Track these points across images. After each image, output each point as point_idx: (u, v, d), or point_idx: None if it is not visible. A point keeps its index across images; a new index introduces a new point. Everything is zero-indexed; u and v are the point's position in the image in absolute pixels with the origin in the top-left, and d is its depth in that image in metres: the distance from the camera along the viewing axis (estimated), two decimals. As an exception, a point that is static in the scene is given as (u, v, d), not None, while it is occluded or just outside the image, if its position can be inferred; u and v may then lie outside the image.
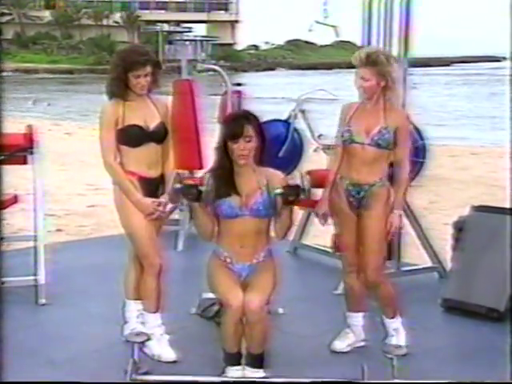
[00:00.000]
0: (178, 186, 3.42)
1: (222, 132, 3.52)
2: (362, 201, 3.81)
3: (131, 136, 3.75)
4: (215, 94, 6.57)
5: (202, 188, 3.39)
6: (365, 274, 3.83)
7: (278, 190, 3.38)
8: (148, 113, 3.82)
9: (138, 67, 3.70)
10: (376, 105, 3.78)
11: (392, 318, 3.97)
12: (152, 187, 3.84)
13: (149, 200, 3.77)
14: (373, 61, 3.70)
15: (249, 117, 3.46)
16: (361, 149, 3.76)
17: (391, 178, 3.89)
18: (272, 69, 64.43)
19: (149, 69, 3.74)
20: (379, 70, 3.70)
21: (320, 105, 7.17)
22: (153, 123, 3.81)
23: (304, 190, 3.39)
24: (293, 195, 3.36)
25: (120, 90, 3.75)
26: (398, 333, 3.98)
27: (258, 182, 3.46)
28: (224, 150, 3.44)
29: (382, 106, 3.77)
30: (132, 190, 3.76)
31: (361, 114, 3.80)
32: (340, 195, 3.86)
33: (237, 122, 3.46)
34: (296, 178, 3.53)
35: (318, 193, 4.15)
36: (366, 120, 3.77)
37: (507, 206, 4.81)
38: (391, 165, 3.88)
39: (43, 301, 4.73)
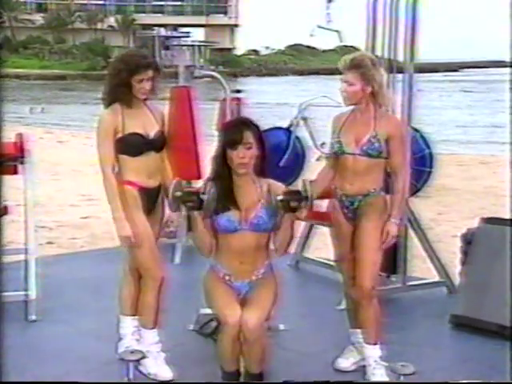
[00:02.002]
0: (178, 193, 3.39)
1: (221, 139, 3.51)
2: (357, 211, 3.81)
3: (132, 145, 3.76)
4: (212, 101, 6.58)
5: (203, 196, 3.37)
6: (360, 283, 3.80)
7: (280, 197, 3.37)
8: (147, 120, 3.83)
9: (141, 71, 3.72)
10: (366, 113, 3.78)
11: (374, 344, 3.89)
12: (152, 197, 3.87)
13: (127, 228, 3.75)
14: (356, 64, 3.71)
15: (248, 123, 3.46)
16: (352, 159, 3.76)
17: (387, 189, 3.90)
18: (273, 74, 64.56)
19: (150, 73, 3.76)
20: (363, 74, 3.69)
21: (323, 112, 7.18)
22: (152, 131, 3.82)
23: (307, 197, 3.35)
24: (295, 201, 3.34)
25: (125, 95, 3.76)
26: (378, 366, 3.86)
27: (259, 194, 3.45)
28: (222, 158, 3.43)
29: (373, 114, 3.77)
30: (119, 208, 3.75)
31: (351, 123, 3.80)
32: (335, 207, 3.87)
33: (236, 128, 3.45)
34: (299, 186, 3.49)
35: (322, 204, 4.16)
36: (356, 129, 3.77)
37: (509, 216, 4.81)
38: (388, 174, 3.88)
39: (33, 317, 4.72)
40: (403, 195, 3.98)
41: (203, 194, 3.38)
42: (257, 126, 3.46)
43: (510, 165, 8.74)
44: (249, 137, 3.39)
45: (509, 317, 4.45)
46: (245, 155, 3.38)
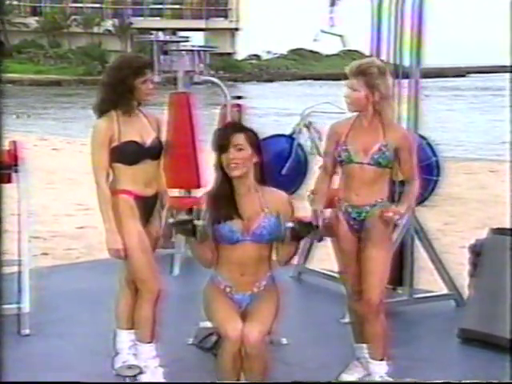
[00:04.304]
0: (171, 220, 3.41)
1: (212, 147, 3.53)
2: (364, 223, 3.81)
3: (129, 153, 3.77)
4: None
5: (198, 222, 3.38)
6: (368, 297, 3.81)
7: (290, 224, 3.40)
8: (143, 128, 3.85)
9: (144, 71, 3.77)
10: (372, 121, 3.79)
11: (381, 360, 3.90)
12: (149, 206, 3.88)
13: (118, 240, 3.77)
14: (362, 70, 3.73)
15: (239, 127, 3.52)
16: (359, 169, 3.77)
17: (393, 199, 3.91)
18: (274, 80, 64.64)
19: (150, 72, 3.80)
20: (367, 81, 3.71)
21: (326, 119, 7.19)
22: (149, 139, 3.83)
23: (317, 228, 3.43)
24: (304, 233, 3.43)
25: (129, 101, 3.78)
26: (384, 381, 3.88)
27: (261, 204, 3.46)
28: (221, 168, 3.45)
29: (380, 123, 3.78)
30: (111, 220, 3.77)
31: (357, 131, 3.80)
32: (339, 219, 3.86)
33: (224, 132, 3.51)
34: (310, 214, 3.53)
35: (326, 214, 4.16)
36: (364, 138, 3.77)
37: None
38: (394, 184, 3.90)
39: (27, 331, 4.71)
40: (413, 198, 3.99)
41: (198, 219, 3.38)
42: (252, 131, 3.48)
43: (510, 172, 8.73)
44: (238, 139, 3.41)
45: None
46: (235, 156, 3.39)
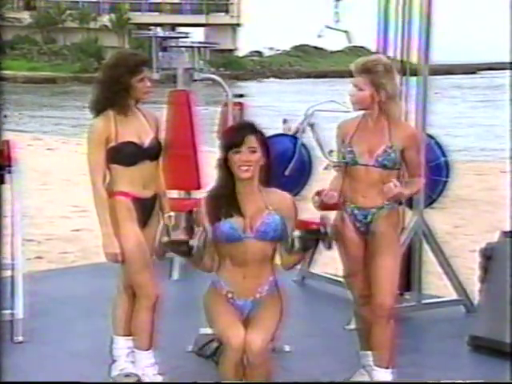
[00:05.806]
0: (166, 239, 3.42)
1: (222, 144, 3.53)
2: (370, 226, 3.82)
3: (126, 154, 3.77)
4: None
5: (193, 242, 3.39)
6: (380, 301, 3.81)
7: (297, 233, 3.42)
8: (141, 127, 3.85)
9: (141, 69, 3.78)
10: (379, 122, 3.79)
11: (386, 368, 3.89)
12: (147, 208, 3.88)
13: (115, 244, 3.77)
14: (368, 68, 3.73)
15: (252, 128, 3.49)
16: (365, 171, 3.77)
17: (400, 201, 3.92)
18: (277, 77, 64.67)
19: (147, 70, 3.81)
20: (373, 80, 3.71)
21: (331, 118, 7.20)
22: (147, 139, 3.84)
23: (326, 236, 3.42)
24: (312, 243, 3.44)
25: (124, 100, 3.78)
26: None
27: (265, 201, 3.46)
28: (225, 166, 3.45)
29: (386, 123, 3.79)
30: (108, 223, 3.77)
31: (363, 132, 3.81)
32: (345, 221, 3.87)
33: (239, 130, 3.50)
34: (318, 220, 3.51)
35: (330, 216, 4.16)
36: (369, 139, 3.78)
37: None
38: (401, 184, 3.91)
39: (20, 338, 4.71)
40: (416, 189, 4.02)
41: (193, 232, 3.40)
42: (261, 133, 3.48)
43: (510, 174, 8.74)
44: (252, 140, 3.42)
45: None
46: (248, 158, 3.39)
